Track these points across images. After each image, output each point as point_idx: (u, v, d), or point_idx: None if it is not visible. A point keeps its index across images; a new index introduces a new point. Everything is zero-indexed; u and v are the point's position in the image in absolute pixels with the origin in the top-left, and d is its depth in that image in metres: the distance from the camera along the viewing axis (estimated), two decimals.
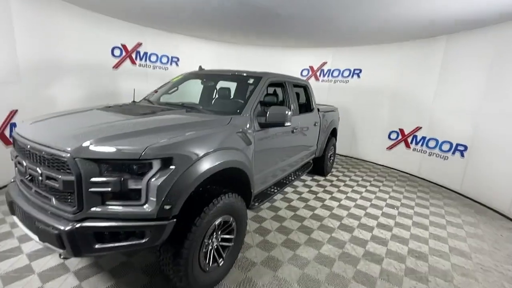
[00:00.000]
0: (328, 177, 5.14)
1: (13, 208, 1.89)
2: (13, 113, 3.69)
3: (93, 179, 1.51)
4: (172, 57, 6.56)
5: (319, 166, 4.89)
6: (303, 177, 4.96)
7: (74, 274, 2.15)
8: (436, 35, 5.07)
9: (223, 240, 2.12)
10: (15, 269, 2.15)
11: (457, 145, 4.77)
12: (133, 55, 5.85)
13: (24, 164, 1.75)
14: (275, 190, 3.24)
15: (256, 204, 2.75)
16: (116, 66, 5.59)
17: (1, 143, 3.58)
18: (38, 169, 1.64)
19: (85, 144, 1.54)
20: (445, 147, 4.99)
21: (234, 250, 2.23)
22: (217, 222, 1.96)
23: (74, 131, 1.72)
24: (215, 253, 2.05)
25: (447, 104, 4.97)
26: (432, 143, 5.27)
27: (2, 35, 3.46)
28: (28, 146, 1.73)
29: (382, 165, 6.30)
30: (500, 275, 2.54)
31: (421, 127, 5.50)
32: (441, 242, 3.06)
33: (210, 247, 2.00)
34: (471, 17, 3.92)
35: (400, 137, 5.93)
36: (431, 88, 5.24)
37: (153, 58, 6.24)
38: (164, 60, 6.45)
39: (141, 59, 6.03)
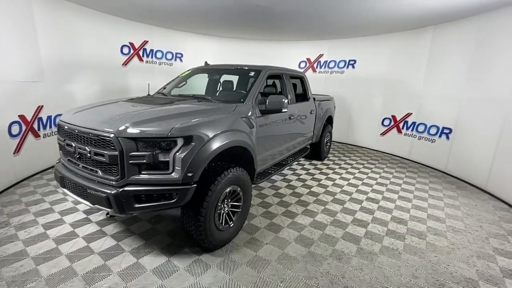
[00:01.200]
0: (325, 161, 5.58)
1: (63, 182, 2.34)
2: (40, 108, 4.13)
3: (132, 154, 1.95)
4: (176, 53, 6.94)
5: (316, 151, 5.33)
6: (302, 161, 5.40)
7: (111, 237, 2.62)
8: (424, 26, 5.41)
9: (233, 207, 2.57)
10: (63, 234, 2.62)
11: (443, 128, 5.17)
12: (140, 52, 6.25)
13: (73, 145, 2.19)
14: (274, 170, 3.68)
15: (259, 180, 3.20)
16: (125, 63, 6.00)
17: (31, 135, 4.02)
18: (86, 147, 2.09)
19: (125, 126, 1.98)
20: (433, 130, 5.39)
21: (242, 215, 2.68)
22: (227, 190, 2.40)
23: (114, 117, 2.16)
24: (227, 217, 2.51)
25: (434, 91, 5.35)
26: (421, 128, 5.67)
27: (27, 39, 3.87)
28: (76, 131, 2.17)
29: (376, 150, 6.73)
30: (468, 234, 2.98)
31: (411, 113, 5.89)
32: (420, 211, 3.50)
33: (223, 211, 2.45)
34: (454, 8, 4.26)
35: (392, 123, 6.33)
36: (420, 76, 5.61)
37: (159, 54, 6.64)
38: (169, 56, 6.84)
39: (147, 56, 6.43)
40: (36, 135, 4.12)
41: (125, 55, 5.95)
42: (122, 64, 5.95)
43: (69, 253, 2.35)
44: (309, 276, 2.19)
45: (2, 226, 2.70)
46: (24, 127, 3.86)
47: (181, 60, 7.06)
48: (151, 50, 6.47)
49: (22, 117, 3.82)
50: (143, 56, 6.32)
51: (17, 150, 3.77)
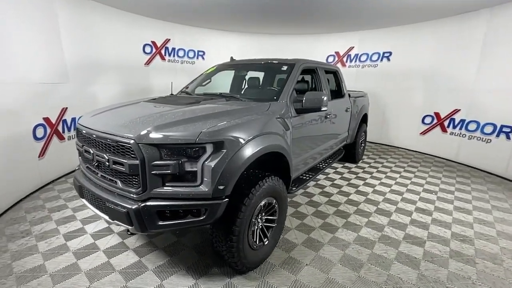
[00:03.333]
0: (360, 164, 5.08)
1: (82, 191, 2.12)
2: (64, 110, 4.05)
3: (155, 163, 1.66)
4: (198, 51, 6.73)
5: (350, 153, 4.84)
6: (334, 164, 4.94)
7: (133, 251, 2.38)
8: (476, 9, 4.71)
9: (267, 221, 2.23)
10: (83, 246, 2.43)
11: (502, 126, 4.47)
12: (162, 51, 6.09)
13: (91, 151, 1.95)
14: (310, 176, 3.28)
15: (294, 188, 2.82)
16: (148, 62, 5.87)
17: (56, 138, 3.94)
18: (105, 155, 1.83)
19: (146, 131, 1.69)
20: (488, 129, 4.69)
21: (277, 230, 2.33)
22: (262, 203, 2.06)
23: (134, 120, 1.89)
24: (261, 233, 2.17)
25: (491, 83, 4.64)
26: (472, 126, 4.97)
27: (51, 41, 3.77)
28: (94, 136, 1.93)
29: (416, 151, 6.07)
30: None
31: (459, 110, 5.20)
32: (487, 226, 2.94)
33: (257, 227, 2.11)
34: None
35: (435, 121, 5.65)
36: (471, 67, 4.91)
37: (181, 53, 6.45)
38: (191, 54, 6.64)
39: (169, 55, 6.26)
40: (61, 138, 4.04)
41: (147, 54, 5.82)
42: (145, 64, 5.82)
43: (88, 270, 2.13)
44: None
45: (23, 236, 2.57)
46: (48, 130, 3.78)
47: (203, 58, 6.84)
48: (173, 49, 6.30)
49: (46, 119, 3.73)
50: (165, 55, 6.16)
51: (42, 153, 3.69)
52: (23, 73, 3.30)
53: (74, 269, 2.13)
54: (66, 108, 4.08)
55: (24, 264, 2.18)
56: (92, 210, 2.04)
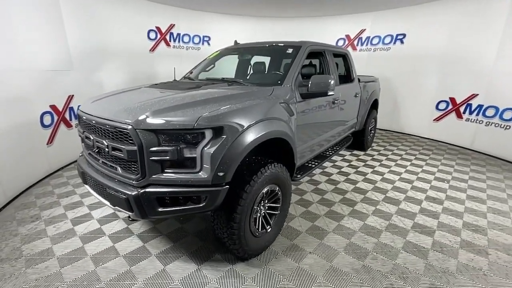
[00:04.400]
0: (369, 151, 4.94)
1: (85, 178, 2.13)
2: (70, 98, 4.06)
3: (153, 149, 1.62)
4: (203, 37, 6.58)
5: (359, 140, 4.70)
6: (341, 152, 4.83)
7: (137, 236, 2.41)
8: None
9: (270, 208, 2.19)
10: (90, 231, 2.47)
11: None
12: (167, 37, 5.99)
13: (92, 138, 1.94)
14: (315, 164, 3.20)
15: (299, 176, 2.76)
16: (152, 49, 5.79)
17: (63, 126, 3.98)
18: (104, 141, 1.81)
19: (144, 116, 1.64)
20: (507, 115, 4.44)
21: (280, 218, 2.30)
22: (264, 191, 2.01)
23: (132, 106, 1.84)
24: (263, 221, 2.14)
25: None
26: (490, 112, 4.71)
27: (54, 28, 3.73)
28: (94, 122, 1.90)
29: (428, 138, 5.86)
30: None
31: (477, 94, 4.92)
32: (501, 216, 2.82)
33: (259, 214, 2.08)
34: None
35: (450, 107, 5.39)
36: (492, 49, 4.59)
37: (186, 38, 6.33)
38: (196, 40, 6.51)
39: (174, 41, 6.15)
40: (68, 125, 4.08)
41: (152, 41, 5.74)
42: (150, 50, 5.75)
43: (94, 254, 2.17)
44: None
45: (33, 220, 2.63)
46: (56, 117, 3.81)
47: (208, 44, 6.69)
48: (178, 34, 6.17)
49: (53, 107, 3.75)
50: (170, 40, 6.06)
51: (50, 140, 3.74)
52: (29, 61, 3.29)
53: (80, 253, 2.18)
54: (73, 95, 4.09)
55: (33, 248, 2.24)
56: (95, 196, 2.05)
